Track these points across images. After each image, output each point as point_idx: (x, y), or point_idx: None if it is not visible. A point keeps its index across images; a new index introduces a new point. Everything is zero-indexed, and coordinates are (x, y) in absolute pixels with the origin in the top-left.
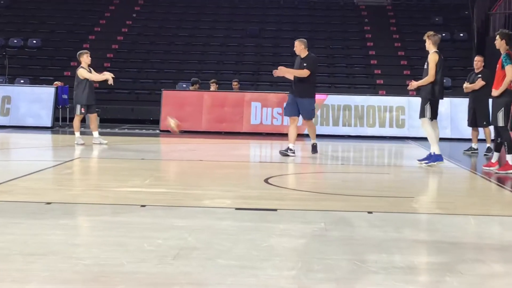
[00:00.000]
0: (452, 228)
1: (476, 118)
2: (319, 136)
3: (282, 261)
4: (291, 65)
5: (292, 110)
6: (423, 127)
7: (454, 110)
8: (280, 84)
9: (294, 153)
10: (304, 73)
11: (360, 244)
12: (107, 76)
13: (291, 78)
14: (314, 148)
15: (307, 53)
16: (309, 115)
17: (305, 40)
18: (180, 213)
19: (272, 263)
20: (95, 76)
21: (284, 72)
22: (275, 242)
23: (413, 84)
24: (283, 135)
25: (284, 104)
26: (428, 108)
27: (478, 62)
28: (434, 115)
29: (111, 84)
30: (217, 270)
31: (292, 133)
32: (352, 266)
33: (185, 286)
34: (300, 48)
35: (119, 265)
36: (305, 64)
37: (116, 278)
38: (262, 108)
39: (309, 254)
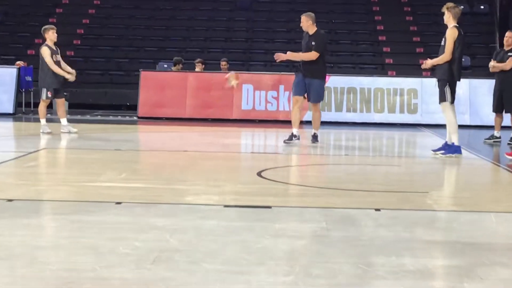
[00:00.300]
0: (470, 227)
1: (503, 103)
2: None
3: (278, 265)
4: (287, 44)
5: (302, 89)
6: (444, 113)
7: (474, 93)
8: (275, 64)
9: (299, 139)
10: (313, 55)
11: (365, 245)
12: (69, 76)
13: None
14: (315, 138)
15: (315, 29)
16: (319, 98)
17: (313, 14)
18: (161, 211)
19: (266, 267)
20: (55, 68)
21: (291, 57)
22: (269, 243)
23: (428, 63)
24: (279, 122)
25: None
26: (448, 90)
27: (509, 38)
28: (453, 99)
29: (70, 80)
30: (202, 275)
31: (296, 116)
32: (357, 270)
33: None
34: (307, 24)
35: (90, 270)
36: (313, 44)
37: (87, 284)
38: (255, 92)
39: (308, 257)
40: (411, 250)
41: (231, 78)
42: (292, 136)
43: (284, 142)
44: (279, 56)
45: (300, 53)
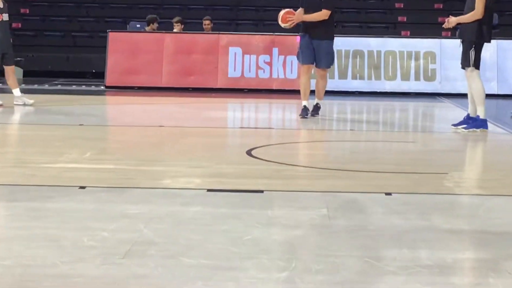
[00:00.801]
0: (497, 213)
1: None
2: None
3: (271, 260)
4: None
5: (311, 55)
6: (469, 80)
7: (502, 56)
8: (267, 23)
9: (307, 114)
10: (324, 15)
11: (374, 236)
12: None
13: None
14: (316, 109)
15: None
16: (329, 62)
17: None
18: (133, 197)
19: (257, 262)
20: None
21: (300, 19)
22: (260, 234)
23: (452, 20)
24: (272, 92)
25: (298, 49)
26: (473, 54)
27: None
28: (478, 64)
29: None
30: (182, 272)
31: (307, 87)
32: (364, 265)
33: None
34: None
35: (50, 266)
36: (322, 0)
37: (45, 282)
38: (244, 56)
39: (306, 249)
40: (428, 241)
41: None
42: (306, 109)
43: (300, 116)
44: (295, 19)
45: (312, 14)
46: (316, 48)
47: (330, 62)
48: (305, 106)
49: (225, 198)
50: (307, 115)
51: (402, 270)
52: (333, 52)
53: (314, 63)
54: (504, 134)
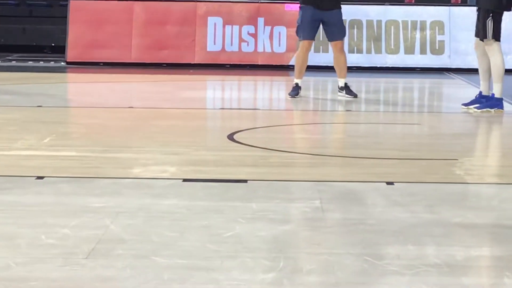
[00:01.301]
0: None
1: None
2: (312, 68)
3: (255, 259)
4: None
5: (314, 30)
6: (490, 53)
7: None
8: None
9: (298, 93)
10: None
11: (374, 231)
12: None
13: None
14: (349, 89)
15: None
16: (344, 31)
17: None
18: (98, 188)
19: (240, 261)
20: None
21: None
22: (244, 230)
23: None
24: (257, 68)
25: (298, 22)
26: (490, 24)
27: None
28: (498, 35)
29: None
30: (155, 273)
31: (304, 64)
32: (362, 265)
33: None
34: None
35: (3, 267)
36: None
37: None
38: (225, 27)
39: (296, 247)
40: (435, 236)
41: None
42: (298, 88)
43: (290, 95)
44: None
45: None
46: (326, 19)
47: (345, 32)
48: (297, 84)
49: (204, 189)
50: (297, 94)
51: (406, 270)
52: (343, 22)
53: (324, 38)
54: None
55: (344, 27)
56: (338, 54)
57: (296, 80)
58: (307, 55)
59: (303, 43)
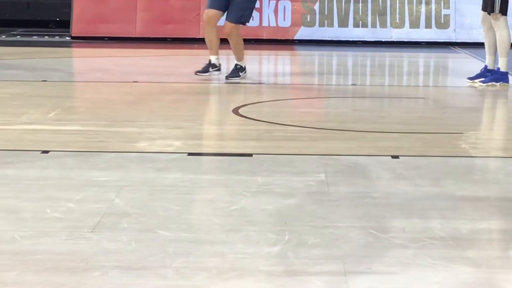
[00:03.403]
0: None
1: None
2: (317, 42)
3: (260, 232)
4: None
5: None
6: (496, 27)
7: None
8: None
9: (219, 69)
10: None
11: (379, 204)
12: None
13: None
14: (235, 71)
15: None
16: (237, 17)
17: None
18: (103, 162)
19: (245, 235)
20: None
21: None
22: (249, 203)
23: None
24: (262, 42)
25: None
26: None
27: None
28: (506, 8)
29: None
30: (159, 247)
31: (215, 38)
32: (367, 238)
33: (109, 271)
34: None
35: (8, 241)
36: None
37: (3, 260)
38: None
39: (301, 220)
40: (440, 210)
41: None
42: (208, 66)
43: (196, 73)
44: None
45: None
46: None
47: (239, 18)
48: (209, 61)
49: (209, 163)
50: (207, 71)
51: (411, 243)
52: (249, 7)
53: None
54: None
55: (243, 13)
56: (228, 37)
57: (212, 55)
58: (213, 27)
59: (206, 13)
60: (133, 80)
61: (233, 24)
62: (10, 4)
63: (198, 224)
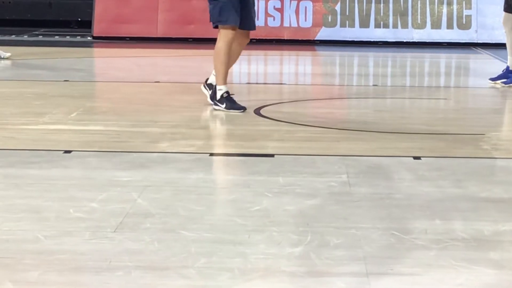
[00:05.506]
0: None
1: None
2: (338, 42)
3: (282, 233)
4: None
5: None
6: (505, 26)
7: None
8: None
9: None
10: None
11: (401, 205)
12: None
13: None
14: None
15: None
16: (212, 17)
17: None
18: (125, 162)
19: (267, 235)
20: None
21: None
22: (271, 204)
23: None
24: (283, 43)
25: None
26: None
27: None
28: None
29: None
30: (181, 247)
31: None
32: (389, 239)
33: (132, 271)
34: None
35: (31, 240)
36: None
37: (27, 260)
38: None
39: (323, 221)
40: (462, 211)
41: None
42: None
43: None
44: None
45: None
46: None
47: (213, 18)
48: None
49: (231, 164)
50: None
51: (433, 244)
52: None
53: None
54: None
55: (214, 14)
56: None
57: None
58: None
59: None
60: (155, 80)
61: (218, 28)
62: (32, 4)
63: (220, 224)
